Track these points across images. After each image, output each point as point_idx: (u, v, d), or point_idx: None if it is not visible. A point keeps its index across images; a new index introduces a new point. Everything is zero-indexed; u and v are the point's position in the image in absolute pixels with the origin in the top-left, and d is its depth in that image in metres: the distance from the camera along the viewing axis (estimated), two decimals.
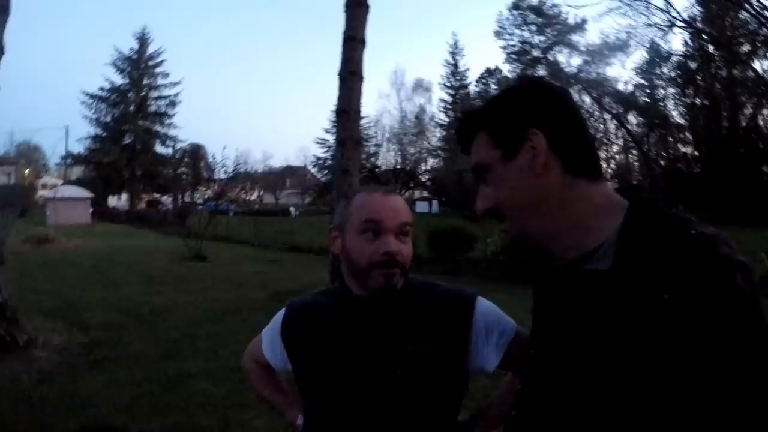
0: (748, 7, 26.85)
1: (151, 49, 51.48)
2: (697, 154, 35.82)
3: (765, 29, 28.86)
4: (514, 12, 39.11)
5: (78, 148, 49.63)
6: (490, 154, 0.99)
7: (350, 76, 8.60)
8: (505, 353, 1.34)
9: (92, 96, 49.14)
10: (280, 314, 1.51)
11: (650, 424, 0.79)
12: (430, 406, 1.32)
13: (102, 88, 49.51)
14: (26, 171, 63.70)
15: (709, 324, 0.75)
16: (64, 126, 72.80)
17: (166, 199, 42.65)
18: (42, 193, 50.05)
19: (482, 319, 1.35)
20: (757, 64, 32.16)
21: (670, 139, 38.00)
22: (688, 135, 36.74)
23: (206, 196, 28.50)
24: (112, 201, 50.54)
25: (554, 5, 36.95)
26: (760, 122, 33.88)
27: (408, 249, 1.32)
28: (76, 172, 52.13)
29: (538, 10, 37.78)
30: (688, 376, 0.76)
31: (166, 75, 51.54)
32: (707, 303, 0.76)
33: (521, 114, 0.97)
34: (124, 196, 51.25)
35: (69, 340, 6.74)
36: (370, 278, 1.29)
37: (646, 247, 0.84)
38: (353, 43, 8.70)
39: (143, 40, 51.14)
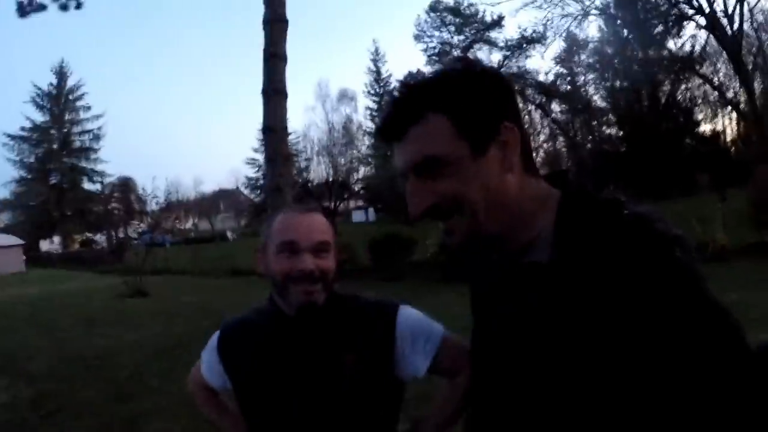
0: None
1: (70, 83, 50.03)
2: (621, 134, 37.28)
3: (675, 9, 30.49)
4: (432, 14, 40.02)
5: (3, 194, 47.67)
6: (454, 145, 0.88)
7: (274, 93, 8.56)
8: (433, 358, 1.37)
9: (13, 137, 47.31)
10: (216, 335, 1.53)
11: (608, 411, 0.78)
12: (363, 417, 1.34)
13: (23, 128, 47.85)
14: None
15: (656, 302, 0.74)
16: None
17: (100, 237, 41.23)
18: None
19: (406, 326, 1.38)
20: (671, 43, 33.98)
21: (595, 122, 39.47)
22: (612, 117, 38.22)
23: (140, 230, 27.82)
24: (45, 245, 48.47)
25: (471, 4, 37.93)
26: (679, 97, 35.70)
27: (327, 263, 1.35)
28: (4, 218, 49.85)
29: (455, 11, 38.66)
30: (638, 357, 0.74)
31: (87, 108, 50.22)
32: (651, 281, 0.75)
33: (493, 104, 0.90)
34: (57, 239, 49.25)
35: (15, 396, 6.45)
36: (291, 294, 1.33)
37: (582, 235, 0.83)
38: (274, 59, 8.64)
39: (62, 73, 49.60)
